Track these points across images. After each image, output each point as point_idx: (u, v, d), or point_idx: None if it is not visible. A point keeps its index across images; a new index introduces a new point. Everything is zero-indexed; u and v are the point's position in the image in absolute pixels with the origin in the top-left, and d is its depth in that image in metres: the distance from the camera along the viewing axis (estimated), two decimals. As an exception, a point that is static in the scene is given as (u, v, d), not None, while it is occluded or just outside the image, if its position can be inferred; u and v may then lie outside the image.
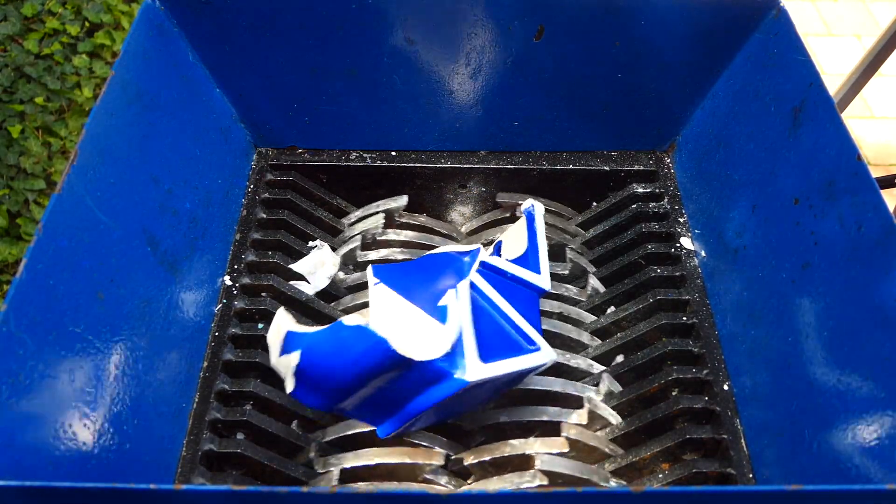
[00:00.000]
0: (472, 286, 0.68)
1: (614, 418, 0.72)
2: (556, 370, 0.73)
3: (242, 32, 0.80)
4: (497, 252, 0.78)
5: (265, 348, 0.73)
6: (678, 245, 0.83)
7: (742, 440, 0.68)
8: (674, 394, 0.72)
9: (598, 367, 0.75)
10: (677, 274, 0.80)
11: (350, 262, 0.85)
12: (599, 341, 0.78)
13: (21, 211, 1.39)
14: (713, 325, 0.76)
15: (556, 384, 0.72)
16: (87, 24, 1.63)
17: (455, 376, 0.59)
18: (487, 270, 0.71)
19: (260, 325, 0.75)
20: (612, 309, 0.81)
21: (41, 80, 1.52)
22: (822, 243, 0.65)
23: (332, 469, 0.67)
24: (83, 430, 0.56)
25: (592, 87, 0.86)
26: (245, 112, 0.88)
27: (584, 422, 0.70)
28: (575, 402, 0.72)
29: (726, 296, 0.76)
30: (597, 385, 0.73)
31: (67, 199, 0.59)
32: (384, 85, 0.85)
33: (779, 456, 0.64)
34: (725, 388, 0.71)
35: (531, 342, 0.65)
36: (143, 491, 0.44)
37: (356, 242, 0.84)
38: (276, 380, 0.72)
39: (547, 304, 0.78)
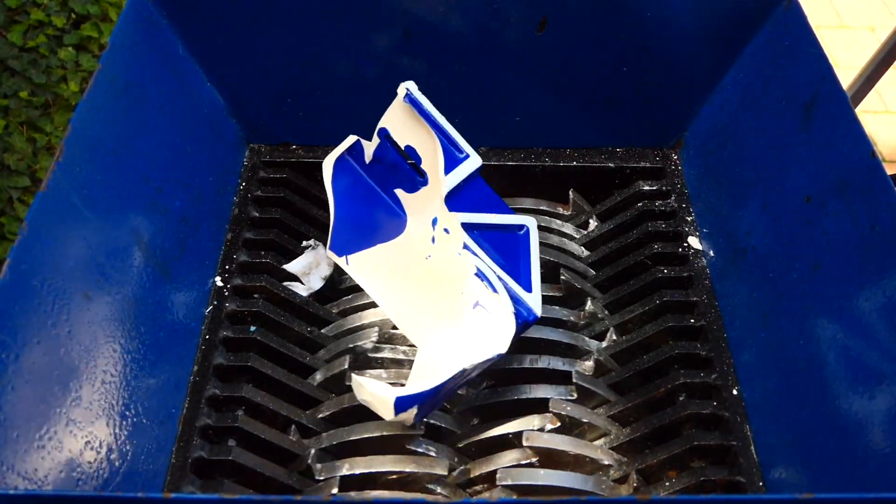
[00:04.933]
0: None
1: (611, 395, 0.72)
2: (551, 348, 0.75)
3: (234, 24, 0.80)
4: (386, 139, 0.77)
5: (258, 352, 0.74)
6: (686, 245, 0.83)
7: (752, 447, 0.68)
8: (681, 399, 0.72)
9: (592, 343, 0.76)
10: (685, 275, 0.80)
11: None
12: (603, 343, 0.78)
13: (5, 209, 1.39)
14: (722, 328, 0.76)
15: (546, 360, 0.73)
16: (73, 15, 1.62)
17: (531, 319, 0.70)
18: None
19: (252, 328, 0.75)
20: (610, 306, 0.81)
21: (26, 74, 1.52)
22: (835, 243, 0.65)
23: (333, 476, 0.67)
24: (69, 437, 0.56)
25: (597, 81, 0.86)
26: (237, 107, 0.88)
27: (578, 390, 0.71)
28: (562, 378, 0.73)
29: (735, 297, 0.76)
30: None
31: (53, 196, 0.59)
32: (381, 78, 0.85)
33: (790, 463, 0.64)
34: (735, 392, 0.71)
35: (520, 225, 0.76)
36: (131, 499, 0.44)
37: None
38: (268, 385, 0.73)
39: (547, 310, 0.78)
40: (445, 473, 0.68)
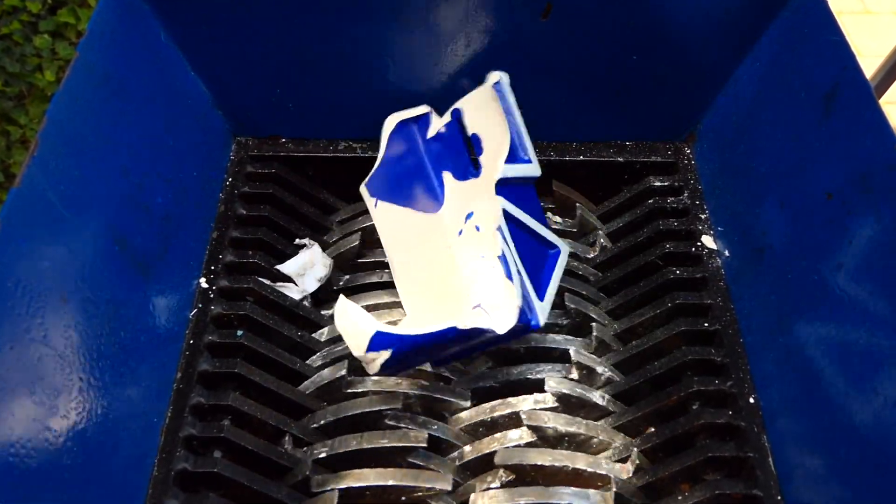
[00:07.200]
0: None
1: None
2: (578, 444, 0.73)
3: (219, 10, 0.80)
4: (456, 121, 0.79)
5: (245, 358, 0.74)
6: (699, 244, 0.83)
7: (769, 458, 0.68)
8: (694, 407, 0.72)
9: (620, 440, 0.73)
10: (698, 275, 0.80)
11: (345, 264, 0.85)
12: (614, 338, 0.78)
13: (-24, 206, 1.39)
14: (737, 332, 0.76)
15: (579, 461, 0.70)
16: (49, 0, 1.62)
17: (533, 325, 0.70)
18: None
19: (239, 333, 0.75)
20: (617, 303, 0.81)
21: (-2, 63, 1.52)
22: (857, 242, 0.65)
23: (331, 488, 0.68)
24: (45, 448, 0.56)
25: (604, 70, 0.86)
26: (223, 98, 0.88)
27: None
28: (600, 481, 0.70)
29: (752, 300, 0.76)
30: (624, 461, 0.72)
31: (27, 193, 0.59)
32: (376, 68, 0.85)
33: (810, 476, 0.65)
34: (751, 401, 0.71)
35: (553, 246, 0.78)
36: (111, 514, 0.44)
37: (354, 242, 0.84)
38: (256, 393, 0.73)
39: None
40: (449, 489, 0.68)
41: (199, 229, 0.81)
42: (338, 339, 0.78)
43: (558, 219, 0.90)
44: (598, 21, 0.82)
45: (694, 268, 0.81)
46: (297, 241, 0.85)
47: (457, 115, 0.79)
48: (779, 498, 0.66)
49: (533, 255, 0.75)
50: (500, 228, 0.72)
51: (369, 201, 0.81)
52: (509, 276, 0.69)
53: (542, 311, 0.71)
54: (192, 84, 0.85)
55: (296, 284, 0.82)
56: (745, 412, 0.70)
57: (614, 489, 0.68)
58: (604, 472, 0.69)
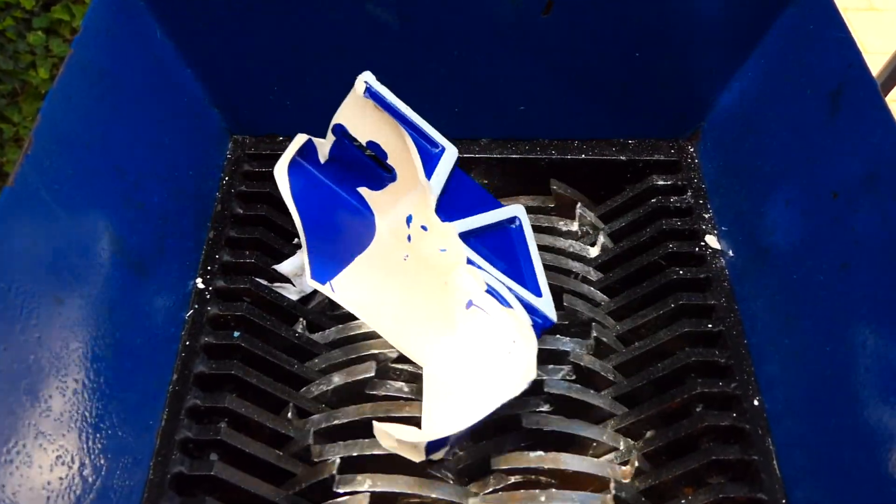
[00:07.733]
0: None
1: None
2: (578, 444, 0.73)
3: (216, 6, 0.80)
4: (343, 136, 0.76)
5: (242, 359, 0.73)
6: (703, 244, 0.83)
7: (774, 461, 0.68)
8: (698, 410, 0.72)
9: (623, 442, 0.73)
10: (702, 276, 0.80)
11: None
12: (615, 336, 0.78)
13: (-31, 205, 1.39)
14: (742, 333, 0.76)
15: (583, 464, 0.70)
16: (43, -4, 1.62)
17: (548, 325, 0.72)
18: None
19: (236, 334, 0.75)
20: (619, 305, 0.81)
21: (-8, 60, 1.52)
22: (864, 242, 0.65)
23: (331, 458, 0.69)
24: (38, 451, 0.56)
25: (607, 67, 0.86)
26: (219, 95, 0.88)
27: None
28: (599, 484, 0.70)
29: (756, 300, 0.76)
30: (625, 464, 0.72)
31: (21, 192, 0.59)
32: (375, 64, 0.85)
33: (815, 479, 0.64)
34: (756, 403, 0.71)
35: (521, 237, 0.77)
36: (106, 519, 0.44)
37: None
38: (253, 395, 0.73)
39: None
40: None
41: (195, 229, 0.81)
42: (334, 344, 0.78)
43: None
44: (599, 17, 0.82)
45: (697, 268, 0.81)
46: (295, 240, 0.85)
47: (340, 129, 0.75)
48: (784, 501, 0.66)
49: (502, 248, 0.74)
50: (470, 261, 0.70)
51: (325, 290, 0.78)
52: (508, 305, 0.68)
53: (547, 305, 0.70)
54: (189, 81, 0.85)
55: (293, 285, 0.82)
56: (749, 414, 0.70)
57: (613, 493, 0.68)
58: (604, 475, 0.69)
